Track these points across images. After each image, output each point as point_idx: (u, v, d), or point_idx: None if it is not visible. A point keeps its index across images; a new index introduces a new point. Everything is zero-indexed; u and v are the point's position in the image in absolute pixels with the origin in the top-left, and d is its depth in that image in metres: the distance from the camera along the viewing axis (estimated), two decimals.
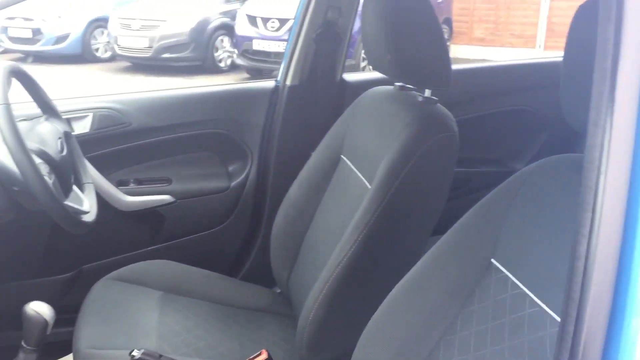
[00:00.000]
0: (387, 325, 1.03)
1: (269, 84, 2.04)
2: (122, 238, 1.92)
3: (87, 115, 1.83)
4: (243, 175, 2.02)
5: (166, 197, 1.93)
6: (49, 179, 1.31)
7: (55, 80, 6.91)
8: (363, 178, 1.42)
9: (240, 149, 2.02)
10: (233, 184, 2.02)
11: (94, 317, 1.46)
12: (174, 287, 1.63)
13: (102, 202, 1.76)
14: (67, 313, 1.58)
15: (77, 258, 1.87)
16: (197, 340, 1.45)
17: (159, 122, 1.92)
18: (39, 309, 1.16)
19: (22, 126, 1.39)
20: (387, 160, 1.27)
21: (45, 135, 1.42)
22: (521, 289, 0.87)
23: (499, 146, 2.33)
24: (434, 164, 1.28)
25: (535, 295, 0.84)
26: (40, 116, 1.55)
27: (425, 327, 0.98)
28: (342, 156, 1.57)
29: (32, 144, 1.35)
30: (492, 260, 0.94)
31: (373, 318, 1.06)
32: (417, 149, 1.25)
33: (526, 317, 0.84)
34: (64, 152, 1.44)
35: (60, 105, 1.61)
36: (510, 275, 0.90)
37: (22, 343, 1.18)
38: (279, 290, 1.78)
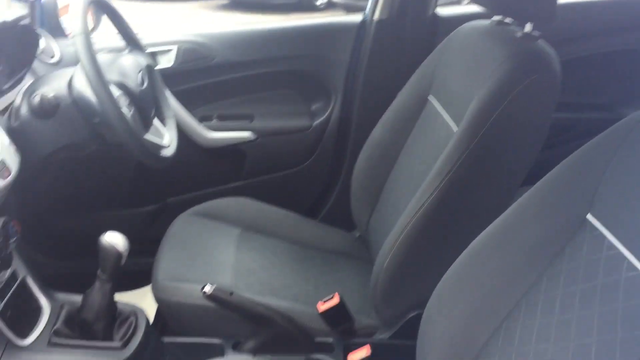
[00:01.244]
0: (465, 279, 0.96)
1: (356, 18, 1.94)
2: (204, 173, 1.94)
3: (172, 49, 1.82)
4: (326, 114, 1.96)
5: (247, 134, 1.92)
6: (128, 111, 1.31)
7: (152, 20, 7.04)
8: (450, 120, 1.32)
9: (323, 87, 1.95)
10: (315, 123, 1.96)
11: (174, 250, 1.48)
12: (252, 225, 1.63)
13: (185, 137, 1.76)
14: (150, 244, 1.62)
15: (161, 191, 1.91)
16: (272, 279, 1.44)
17: (243, 57, 1.88)
18: (113, 240, 1.18)
19: (104, 58, 1.39)
20: (477, 100, 1.17)
21: (126, 67, 1.41)
22: (618, 249, 0.76)
23: (608, 90, 2.12)
24: (529, 106, 1.15)
25: (635, 258, 0.74)
26: (124, 49, 1.54)
27: (506, 283, 0.90)
28: (430, 97, 1.47)
29: (112, 76, 1.35)
30: (588, 216, 0.83)
31: (451, 270, 0.99)
32: (511, 89, 1.13)
33: (622, 281, 0.74)
34: (144, 86, 1.43)
35: (145, 39, 1.60)
36: (607, 234, 0.79)
37: (99, 272, 1.20)
38: (358, 234, 1.73)
